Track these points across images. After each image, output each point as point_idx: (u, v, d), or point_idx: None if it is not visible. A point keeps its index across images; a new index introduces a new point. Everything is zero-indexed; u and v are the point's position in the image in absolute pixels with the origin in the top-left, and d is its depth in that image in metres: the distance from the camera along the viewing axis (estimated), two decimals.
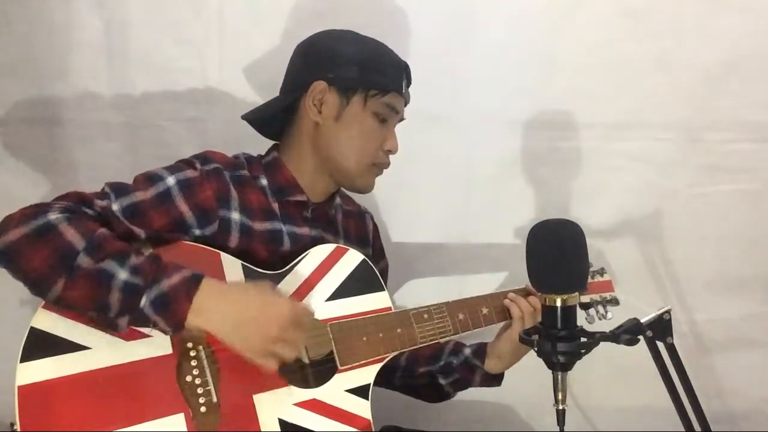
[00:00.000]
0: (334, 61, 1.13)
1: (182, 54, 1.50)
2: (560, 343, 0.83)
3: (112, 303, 0.89)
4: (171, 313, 0.91)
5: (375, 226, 1.38)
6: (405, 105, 1.21)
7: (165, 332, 0.94)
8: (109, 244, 0.92)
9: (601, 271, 1.38)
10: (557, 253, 0.84)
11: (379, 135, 1.16)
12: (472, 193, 1.64)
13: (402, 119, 1.22)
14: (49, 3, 1.45)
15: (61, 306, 0.91)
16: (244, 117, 1.19)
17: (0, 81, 1.47)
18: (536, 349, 0.85)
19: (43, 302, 0.93)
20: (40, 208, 0.93)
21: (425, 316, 1.16)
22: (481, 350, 1.28)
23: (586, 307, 1.32)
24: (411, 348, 1.14)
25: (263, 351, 0.96)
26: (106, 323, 0.92)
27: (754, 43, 1.55)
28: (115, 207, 0.99)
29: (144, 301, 0.90)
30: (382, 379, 1.15)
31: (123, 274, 0.90)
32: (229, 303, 0.95)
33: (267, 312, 0.96)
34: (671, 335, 0.89)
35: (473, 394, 1.36)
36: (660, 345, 0.89)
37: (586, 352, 0.83)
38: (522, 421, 1.73)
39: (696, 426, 0.90)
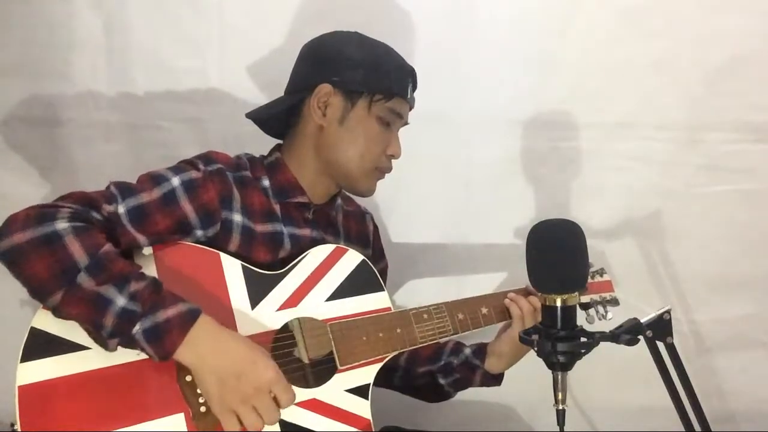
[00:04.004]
0: (340, 64, 1.12)
1: (183, 53, 1.50)
2: (560, 343, 0.82)
3: (106, 324, 0.89)
4: (161, 344, 0.90)
5: (375, 226, 1.38)
6: (410, 110, 1.21)
7: (151, 358, 0.92)
8: (112, 265, 0.91)
9: (601, 272, 1.38)
10: (557, 253, 0.84)
11: (383, 139, 1.15)
12: (472, 193, 1.64)
13: (406, 124, 1.21)
14: (49, 2, 1.45)
15: (57, 315, 0.91)
16: (249, 115, 1.19)
17: (0, 81, 1.47)
18: (536, 349, 0.85)
19: None
20: (47, 212, 0.91)
21: (425, 316, 1.16)
22: (481, 350, 1.29)
23: (586, 307, 1.32)
24: (411, 348, 1.14)
25: (229, 408, 0.93)
26: (97, 339, 0.92)
27: (754, 43, 1.55)
28: (121, 210, 0.98)
29: (137, 328, 0.89)
30: (382, 380, 1.15)
31: (121, 301, 0.89)
32: (218, 348, 0.93)
33: (251, 371, 0.93)
34: (671, 335, 0.89)
35: (473, 394, 1.37)
36: (660, 345, 0.89)
37: (586, 352, 0.83)
38: (522, 421, 1.73)
39: (696, 426, 0.90)
